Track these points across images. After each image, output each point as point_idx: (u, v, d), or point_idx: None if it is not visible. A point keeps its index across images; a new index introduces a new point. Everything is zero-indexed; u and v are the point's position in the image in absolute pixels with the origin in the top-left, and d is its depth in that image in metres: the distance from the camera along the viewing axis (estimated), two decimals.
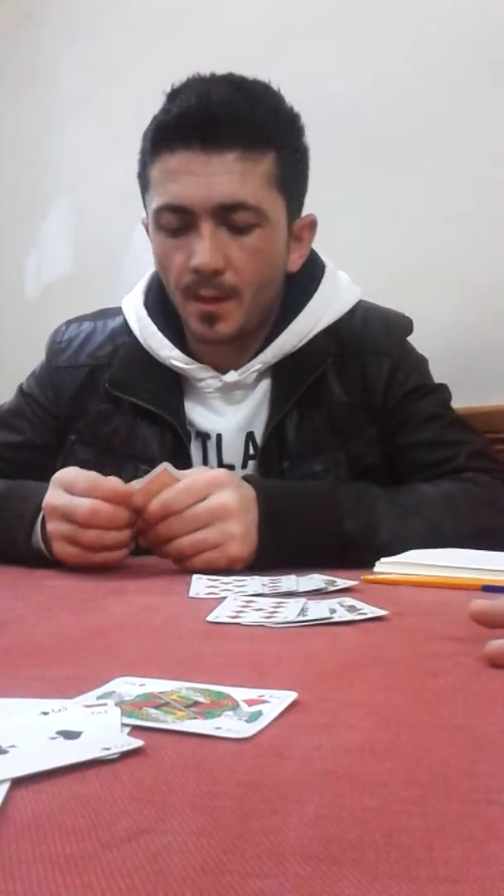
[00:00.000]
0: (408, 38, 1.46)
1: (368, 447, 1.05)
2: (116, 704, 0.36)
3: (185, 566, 0.83)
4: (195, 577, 0.77)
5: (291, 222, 1.01)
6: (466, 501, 0.96)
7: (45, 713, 0.35)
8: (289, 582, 0.71)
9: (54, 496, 0.83)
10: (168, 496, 0.81)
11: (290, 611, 0.59)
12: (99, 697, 0.38)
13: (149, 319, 1.07)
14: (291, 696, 0.38)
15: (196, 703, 0.37)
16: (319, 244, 1.09)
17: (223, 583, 0.73)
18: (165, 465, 0.84)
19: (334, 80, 1.54)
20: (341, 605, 0.61)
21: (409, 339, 1.12)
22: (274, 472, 1.02)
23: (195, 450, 1.06)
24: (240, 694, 0.38)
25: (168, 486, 0.82)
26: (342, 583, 0.70)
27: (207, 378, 1.04)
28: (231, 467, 1.05)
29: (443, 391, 1.11)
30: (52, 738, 0.32)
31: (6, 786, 0.28)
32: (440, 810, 0.26)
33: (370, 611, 0.59)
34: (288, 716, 0.36)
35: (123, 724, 0.34)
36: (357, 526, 0.89)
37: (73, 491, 0.82)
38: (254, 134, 0.92)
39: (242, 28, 1.69)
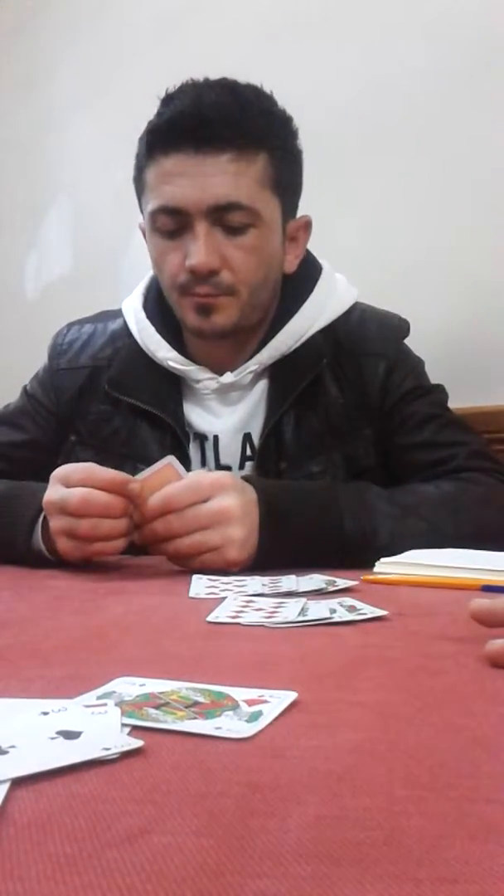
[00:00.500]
0: (407, 39, 1.46)
1: (365, 448, 1.05)
2: (116, 704, 0.36)
3: (181, 564, 0.82)
4: (195, 577, 0.77)
5: (286, 223, 1.02)
6: (466, 501, 0.96)
7: (45, 713, 0.35)
8: (289, 582, 0.71)
9: (52, 492, 0.83)
10: (170, 492, 0.80)
11: (291, 611, 0.59)
12: (99, 697, 0.38)
13: (147, 321, 1.07)
14: (291, 696, 0.38)
15: (196, 703, 0.37)
16: (317, 245, 1.09)
17: (223, 583, 0.73)
18: (170, 459, 0.83)
19: (334, 80, 1.54)
20: (341, 605, 0.61)
21: (408, 339, 1.12)
22: (271, 473, 1.02)
23: (194, 451, 1.06)
24: (240, 694, 0.38)
25: (169, 481, 0.81)
26: (342, 583, 0.70)
27: (204, 379, 1.05)
28: (228, 468, 1.05)
29: (439, 392, 1.11)
30: (52, 739, 0.32)
31: (6, 786, 0.28)
32: (440, 810, 0.26)
33: (370, 611, 0.59)
34: (288, 716, 0.36)
35: (123, 725, 0.34)
36: (357, 526, 0.89)
37: (69, 483, 0.82)
38: (246, 135, 0.93)
39: (242, 28, 1.69)
